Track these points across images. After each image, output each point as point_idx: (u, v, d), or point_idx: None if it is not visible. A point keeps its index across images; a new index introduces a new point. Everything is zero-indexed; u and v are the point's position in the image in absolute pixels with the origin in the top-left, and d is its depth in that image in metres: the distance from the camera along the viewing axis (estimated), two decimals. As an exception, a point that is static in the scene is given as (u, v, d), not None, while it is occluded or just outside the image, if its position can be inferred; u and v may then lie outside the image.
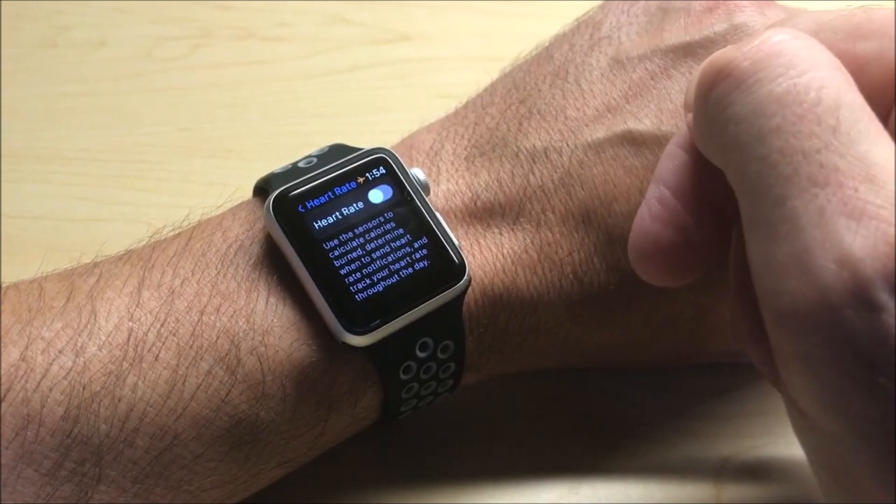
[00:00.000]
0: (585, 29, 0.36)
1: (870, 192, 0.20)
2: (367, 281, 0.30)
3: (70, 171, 0.46)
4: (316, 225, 0.30)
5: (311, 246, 0.30)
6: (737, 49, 0.24)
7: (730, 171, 0.24)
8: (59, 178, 0.46)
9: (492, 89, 0.36)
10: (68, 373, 0.28)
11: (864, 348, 0.20)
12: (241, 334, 0.29)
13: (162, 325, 0.29)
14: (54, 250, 0.43)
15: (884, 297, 0.20)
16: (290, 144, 0.47)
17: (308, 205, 0.30)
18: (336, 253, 0.30)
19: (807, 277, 0.21)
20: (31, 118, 0.48)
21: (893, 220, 0.20)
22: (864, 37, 0.25)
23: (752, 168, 0.22)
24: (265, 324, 0.29)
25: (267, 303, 0.30)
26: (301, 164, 0.32)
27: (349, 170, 0.31)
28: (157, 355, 0.28)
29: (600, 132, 0.33)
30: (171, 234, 0.32)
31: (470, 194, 0.33)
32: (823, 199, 0.21)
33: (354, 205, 0.31)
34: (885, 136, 0.22)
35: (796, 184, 0.21)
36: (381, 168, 0.32)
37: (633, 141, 0.32)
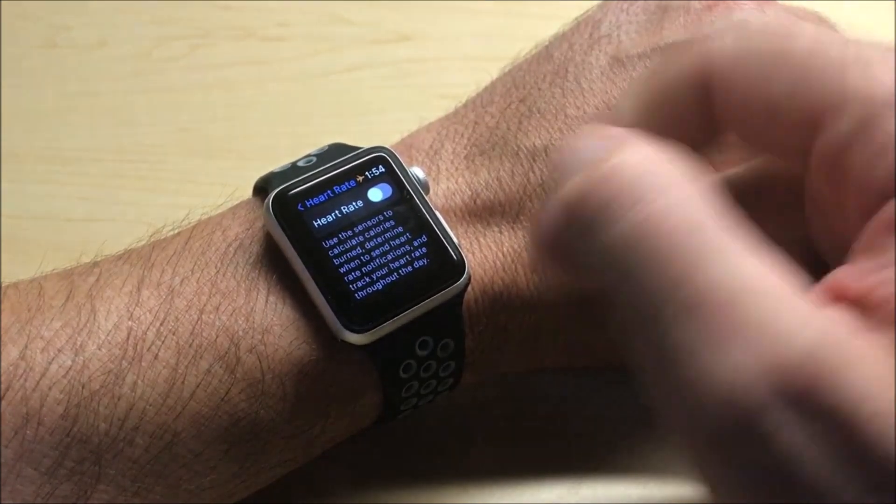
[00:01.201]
0: (585, 28, 0.36)
1: (731, 318, 0.20)
2: (367, 279, 0.30)
3: (70, 171, 0.46)
4: (315, 223, 0.30)
5: (310, 244, 0.30)
6: (586, 181, 0.22)
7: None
8: (59, 178, 0.46)
9: (491, 88, 0.36)
10: (67, 371, 0.28)
11: (762, 476, 0.20)
12: (240, 333, 0.29)
13: (161, 324, 0.29)
14: (54, 250, 0.42)
15: (767, 424, 0.19)
16: (290, 144, 0.47)
17: (307, 203, 0.30)
18: (335, 251, 0.30)
19: (690, 413, 0.20)
20: (31, 118, 0.48)
21: (762, 343, 0.19)
22: (778, 71, 0.23)
23: (618, 307, 0.22)
24: (265, 322, 0.29)
25: (266, 301, 0.30)
26: (300, 163, 0.32)
27: (348, 168, 0.31)
28: (157, 354, 0.28)
29: None
30: (171, 233, 0.32)
31: (470, 193, 0.33)
32: (692, 332, 0.20)
33: (354, 203, 0.31)
34: (744, 251, 0.21)
35: (662, 320, 0.21)
36: (380, 167, 0.32)
37: None
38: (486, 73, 0.38)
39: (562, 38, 0.36)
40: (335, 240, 0.30)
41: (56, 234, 0.44)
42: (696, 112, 0.25)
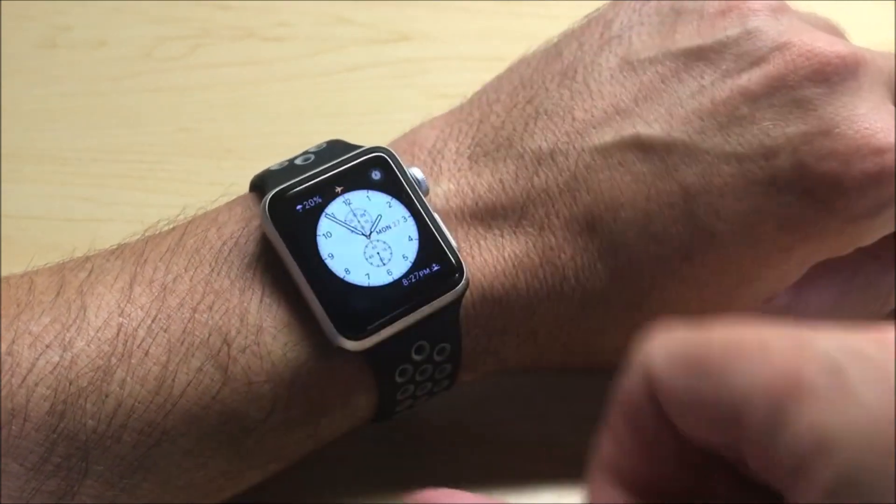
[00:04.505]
0: (596, 27, 0.35)
1: None
2: (364, 284, 0.30)
3: (70, 171, 0.46)
4: (312, 226, 0.30)
5: (306, 248, 0.30)
6: None
7: None
8: (59, 178, 0.46)
9: (498, 85, 0.36)
10: (55, 368, 0.27)
11: None
12: (233, 333, 0.29)
13: (153, 321, 0.29)
14: (54, 250, 0.42)
15: None
16: (290, 144, 0.46)
17: (304, 205, 0.30)
18: (332, 255, 0.30)
19: None
20: (31, 118, 0.48)
21: None
22: (700, 373, 0.23)
23: None
24: (259, 323, 0.29)
25: (261, 302, 0.29)
26: (298, 161, 0.32)
27: (346, 169, 0.31)
28: (147, 351, 0.28)
29: (608, 135, 0.32)
30: (166, 228, 0.32)
31: (471, 195, 0.32)
32: None
33: (351, 205, 0.31)
34: None
35: None
36: (379, 167, 0.31)
37: (641, 146, 0.32)
38: (486, 73, 0.37)
39: (571, 37, 0.36)
40: (332, 243, 0.30)
41: (56, 234, 0.44)
42: (659, 417, 0.25)
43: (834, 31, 0.36)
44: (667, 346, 0.24)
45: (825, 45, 0.33)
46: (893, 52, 0.36)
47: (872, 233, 0.34)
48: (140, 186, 0.46)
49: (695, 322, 0.25)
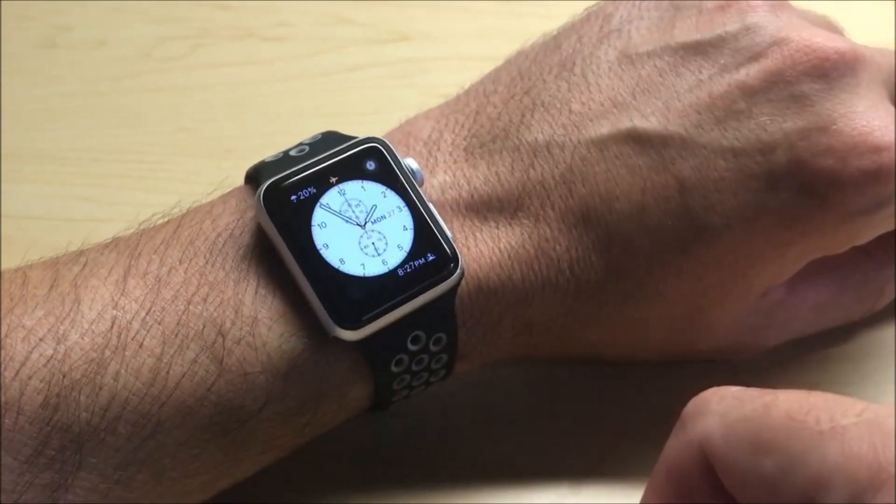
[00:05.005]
0: (595, 20, 0.35)
1: None
2: (359, 274, 0.30)
3: (70, 171, 0.46)
4: (307, 217, 0.30)
5: (301, 238, 0.30)
6: None
7: None
8: (59, 178, 0.46)
9: (495, 76, 0.36)
10: (48, 361, 0.27)
11: None
12: (228, 324, 0.29)
13: (147, 314, 0.28)
14: (54, 250, 0.42)
15: None
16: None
17: (299, 195, 0.30)
18: (327, 245, 0.30)
19: None
20: (31, 118, 0.48)
21: None
22: (765, 450, 0.23)
23: None
24: (253, 314, 0.29)
25: (256, 293, 0.29)
26: (292, 153, 0.32)
27: (341, 159, 0.31)
28: (142, 343, 0.28)
29: (605, 128, 0.33)
30: (160, 221, 0.32)
31: (467, 187, 0.32)
32: None
33: (346, 196, 0.30)
34: None
35: None
36: (373, 158, 0.31)
37: (638, 139, 0.32)
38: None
39: (571, 29, 0.36)
40: (327, 233, 0.30)
41: (56, 234, 0.44)
42: (710, 484, 0.25)
43: (832, 28, 0.36)
44: (724, 416, 0.24)
45: (824, 41, 0.33)
46: (893, 50, 0.36)
47: (869, 230, 0.34)
48: (140, 186, 0.46)
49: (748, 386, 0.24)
